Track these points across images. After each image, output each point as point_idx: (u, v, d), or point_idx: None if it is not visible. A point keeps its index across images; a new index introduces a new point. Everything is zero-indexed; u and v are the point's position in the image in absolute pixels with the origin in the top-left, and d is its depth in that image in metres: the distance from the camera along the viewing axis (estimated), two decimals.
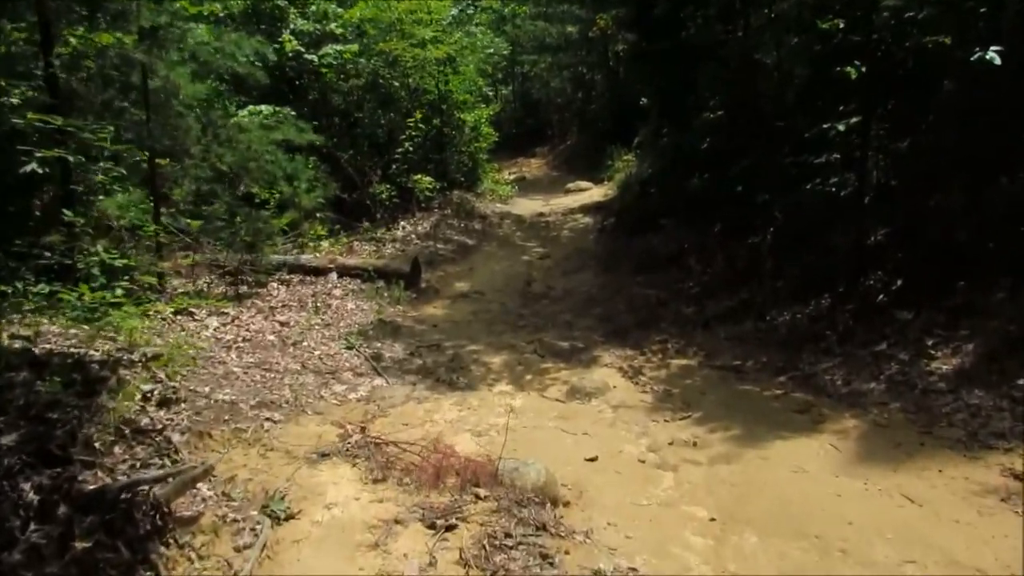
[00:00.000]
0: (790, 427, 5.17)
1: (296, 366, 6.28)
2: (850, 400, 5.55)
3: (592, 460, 4.74)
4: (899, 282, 6.96)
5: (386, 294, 9.04)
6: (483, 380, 6.56)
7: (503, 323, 8.45)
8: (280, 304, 8.30)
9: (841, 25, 7.31)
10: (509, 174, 24.50)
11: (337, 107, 13.82)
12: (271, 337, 6.91)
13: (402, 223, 13.14)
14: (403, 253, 11.09)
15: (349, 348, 6.99)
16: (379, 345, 7.32)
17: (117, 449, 3.92)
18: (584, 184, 19.26)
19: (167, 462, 4.01)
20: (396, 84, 14.49)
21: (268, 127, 8.57)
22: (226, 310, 7.37)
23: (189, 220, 7.96)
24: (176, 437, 4.31)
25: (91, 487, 3.34)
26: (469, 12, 17.68)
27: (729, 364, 6.67)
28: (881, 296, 6.94)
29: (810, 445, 4.87)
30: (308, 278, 9.41)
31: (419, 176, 13.18)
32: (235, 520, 3.63)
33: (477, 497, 3.90)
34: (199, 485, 3.85)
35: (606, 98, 23.74)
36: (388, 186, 12.67)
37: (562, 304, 9.15)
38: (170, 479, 3.56)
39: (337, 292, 8.92)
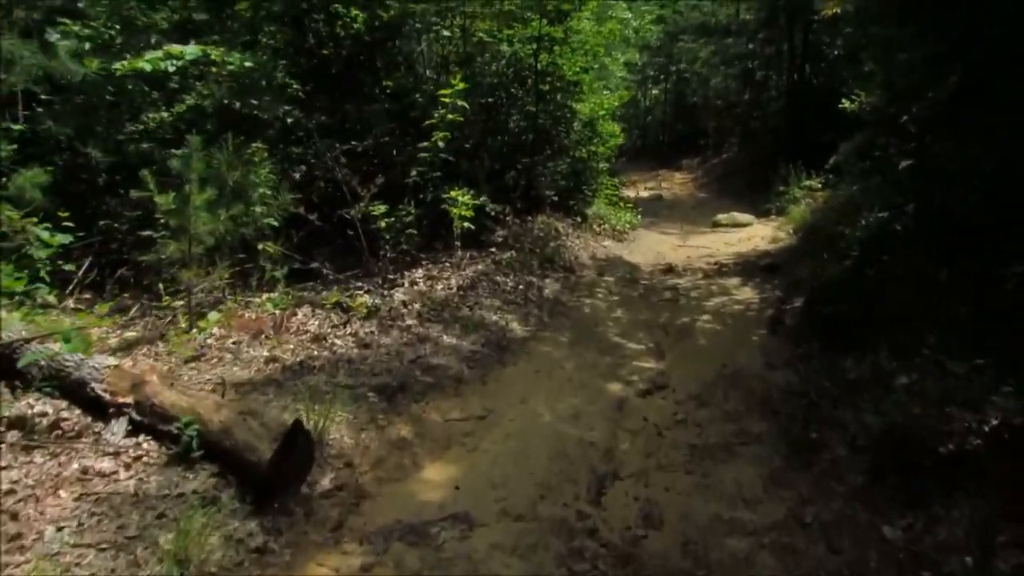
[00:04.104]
0: None
1: None
2: None
3: None
4: None
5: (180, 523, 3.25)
6: None
7: None
8: None
9: None
10: (645, 189, 19.02)
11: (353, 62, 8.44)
12: None
13: (416, 273, 7.52)
14: (367, 350, 5.42)
15: None
16: None
17: None
18: (741, 217, 13.30)
19: None
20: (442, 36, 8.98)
21: None
22: None
23: None
24: None
25: None
26: None
27: None
28: None
29: None
30: (69, 419, 3.95)
31: (453, 190, 7.49)
32: None
33: None
34: None
35: (783, 99, 17.46)
36: (387, 206, 7.07)
37: None
38: None
39: (31, 511, 3.33)
